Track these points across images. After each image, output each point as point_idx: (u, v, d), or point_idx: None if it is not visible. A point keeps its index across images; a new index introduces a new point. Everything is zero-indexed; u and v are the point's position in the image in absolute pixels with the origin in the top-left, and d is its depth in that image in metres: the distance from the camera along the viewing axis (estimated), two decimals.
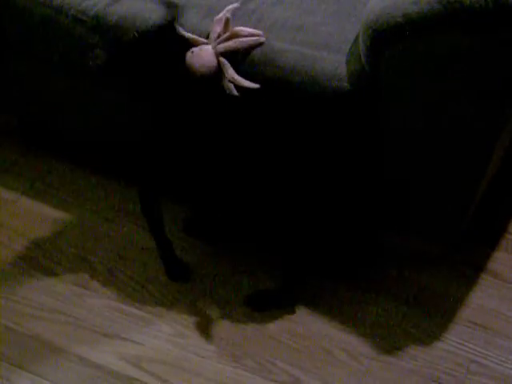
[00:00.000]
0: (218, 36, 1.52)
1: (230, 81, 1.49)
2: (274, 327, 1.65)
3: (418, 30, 1.38)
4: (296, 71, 1.50)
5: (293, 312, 1.67)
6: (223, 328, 1.65)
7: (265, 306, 1.69)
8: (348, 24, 1.57)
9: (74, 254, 1.79)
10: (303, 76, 1.50)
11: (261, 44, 1.53)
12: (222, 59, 1.50)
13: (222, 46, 1.51)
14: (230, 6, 1.56)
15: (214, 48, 1.51)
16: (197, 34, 1.54)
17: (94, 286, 1.73)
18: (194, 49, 1.51)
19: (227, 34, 1.51)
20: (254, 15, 1.60)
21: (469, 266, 1.76)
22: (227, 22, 1.51)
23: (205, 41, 1.52)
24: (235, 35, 1.52)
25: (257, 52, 1.53)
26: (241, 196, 1.62)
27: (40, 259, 1.77)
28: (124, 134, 1.81)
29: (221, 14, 1.54)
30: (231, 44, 1.51)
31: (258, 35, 1.53)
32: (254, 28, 1.56)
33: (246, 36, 1.52)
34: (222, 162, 1.58)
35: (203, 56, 1.50)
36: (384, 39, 1.41)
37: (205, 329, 1.65)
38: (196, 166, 1.60)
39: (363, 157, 1.56)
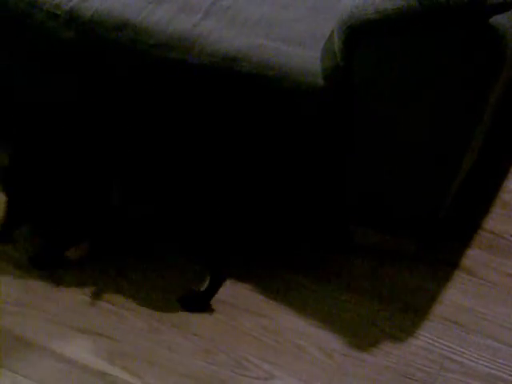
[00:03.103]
0: None
1: None
2: (247, 323, 1.65)
3: (393, 26, 1.39)
4: (270, 67, 1.50)
5: (266, 308, 1.68)
6: (197, 323, 1.65)
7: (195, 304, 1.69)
8: (323, 20, 1.57)
9: None
10: (277, 71, 1.50)
11: None
12: None
13: None
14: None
15: None
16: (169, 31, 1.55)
17: (68, 280, 1.72)
18: None
19: None
20: (229, 11, 1.60)
21: (443, 263, 1.77)
22: None
23: None
24: None
25: (231, 47, 1.53)
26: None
27: (11, 252, 1.76)
28: None
29: None
30: None
31: None
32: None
33: None
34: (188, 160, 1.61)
35: None
36: (358, 35, 1.42)
37: (178, 324, 1.65)
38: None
39: (335, 151, 1.57)
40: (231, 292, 1.70)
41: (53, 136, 1.67)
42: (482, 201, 1.90)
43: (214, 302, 1.68)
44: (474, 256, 1.78)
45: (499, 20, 1.34)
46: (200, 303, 1.68)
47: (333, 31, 1.50)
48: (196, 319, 1.65)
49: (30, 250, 1.75)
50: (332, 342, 1.62)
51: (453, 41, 1.37)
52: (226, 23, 1.57)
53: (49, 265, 1.74)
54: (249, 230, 1.76)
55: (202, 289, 1.68)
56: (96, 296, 1.69)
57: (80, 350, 1.60)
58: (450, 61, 1.39)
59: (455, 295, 1.70)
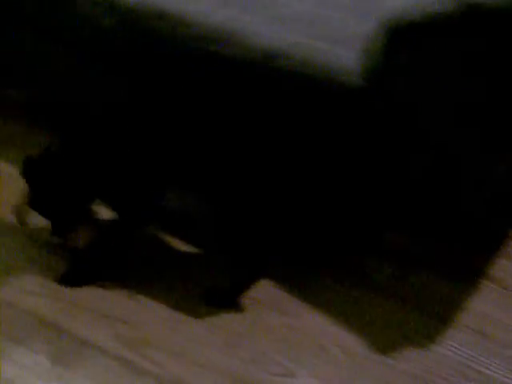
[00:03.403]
0: None
1: None
2: (270, 320, 1.65)
3: (438, 29, 1.38)
4: (309, 65, 1.50)
5: (290, 306, 1.67)
6: (220, 317, 1.65)
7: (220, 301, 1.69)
8: (365, 20, 1.56)
9: None
10: (317, 70, 1.50)
11: None
12: None
13: None
14: None
15: None
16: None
17: None
18: None
19: None
20: (270, 6, 1.60)
21: (472, 272, 1.75)
22: None
23: None
24: None
25: (271, 43, 1.53)
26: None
27: (45, 237, 1.76)
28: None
29: None
30: None
31: None
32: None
33: None
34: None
35: None
36: (402, 37, 1.41)
37: (202, 317, 1.65)
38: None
39: (374, 153, 1.55)
40: (256, 288, 1.70)
41: (95, 131, 1.66)
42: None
43: (238, 297, 1.68)
44: (504, 267, 1.76)
45: None
46: (225, 300, 1.68)
47: (375, 32, 1.49)
48: (220, 313, 1.65)
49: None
50: (354, 343, 1.61)
51: (497, 46, 1.36)
52: (267, 19, 1.57)
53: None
54: (290, 232, 1.74)
55: (228, 285, 1.68)
56: (122, 284, 1.70)
57: (103, 335, 1.61)
58: (492, 65, 1.38)
59: (482, 305, 1.69)
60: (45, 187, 1.61)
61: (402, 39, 1.41)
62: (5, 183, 1.90)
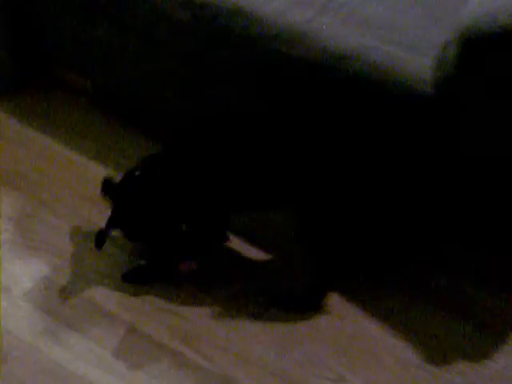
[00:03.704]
0: None
1: None
2: (324, 323, 1.64)
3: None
4: (380, 70, 1.49)
5: (346, 311, 1.66)
6: (275, 317, 1.65)
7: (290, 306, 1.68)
8: (439, 28, 1.55)
9: None
10: (387, 75, 1.49)
11: None
12: None
13: None
14: None
15: None
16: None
17: None
18: None
19: None
20: (344, 9, 1.59)
21: None
22: None
23: None
24: None
25: (343, 46, 1.52)
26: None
27: (101, 224, 1.75)
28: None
29: None
30: None
31: None
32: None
33: None
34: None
35: None
36: (476, 48, 1.39)
37: (256, 316, 1.65)
38: None
39: (440, 163, 1.54)
40: None
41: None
42: None
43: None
44: None
45: None
46: (305, 304, 1.68)
47: (448, 41, 1.47)
48: (274, 313, 1.65)
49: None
50: (408, 353, 1.60)
51: None
52: (340, 21, 1.56)
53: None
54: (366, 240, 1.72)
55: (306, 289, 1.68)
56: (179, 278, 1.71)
57: (156, 326, 1.62)
58: None
59: None
60: (128, 208, 1.63)
61: (475, 50, 1.39)
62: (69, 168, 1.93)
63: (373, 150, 1.55)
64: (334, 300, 1.68)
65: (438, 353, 1.61)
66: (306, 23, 1.55)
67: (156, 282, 1.69)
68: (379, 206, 1.60)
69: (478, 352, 1.61)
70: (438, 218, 1.64)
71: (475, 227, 1.65)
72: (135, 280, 1.69)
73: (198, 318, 1.64)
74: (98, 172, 1.88)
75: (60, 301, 1.64)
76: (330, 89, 1.55)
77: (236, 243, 1.76)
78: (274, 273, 1.72)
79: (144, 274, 1.71)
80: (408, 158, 1.55)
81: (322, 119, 1.57)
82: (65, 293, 1.66)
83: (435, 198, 1.60)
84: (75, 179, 1.89)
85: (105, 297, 1.66)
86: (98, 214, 1.78)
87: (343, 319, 1.65)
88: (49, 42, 1.98)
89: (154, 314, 1.64)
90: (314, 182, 1.57)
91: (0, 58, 2.03)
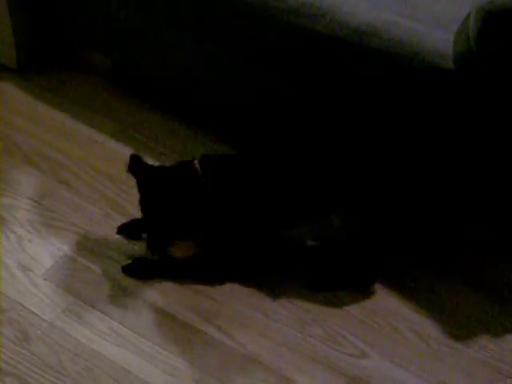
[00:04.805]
0: None
1: None
2: (345, 299, 1.65)
3: None
4: (401, 45, 1.48)
5: (367, 288, 1.67)
6: (296, 293, 1.65)
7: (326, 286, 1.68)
8: (460, 2, 1.54)
9: None
10: (408, 50, 1.48)
11: None
12: None
13: None
14: None
15: None
16: None
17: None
18: None
19: None
20: None
21: None
22: None
23: None
24: None
25: (364, 21, 1.51)
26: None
27: (121, 203, 1.79)
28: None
29: None
30: None
31: None
32: None
33: None
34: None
35: None
36: (497, 22, 1.37)
37: (278, 293, 1.65)
38: None
39: (464, 140, 1.52)
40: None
41: None
42: None
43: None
44: None
45: None
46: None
47: (468, 15, 1.45)
48: (295, 290, 1.66)
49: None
50: (429, 328, 1.60)
51: None
52: None
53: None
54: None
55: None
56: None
57: (179, 305, 1.62)
58: None
59: None
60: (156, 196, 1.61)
61: (496, 24, 1.38)
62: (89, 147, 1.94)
63: (400, 129, 1.54)
64: None
65: (457, 327, 1.61)
66: None
67: (156, 277, 1.67)
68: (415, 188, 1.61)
69: (499, 326, 1.62)
70: (462, 197, 1.64)
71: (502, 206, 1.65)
72: (135, 273, 1.68)
73: (220, 295, 1.64)
74: (118, 150, 1.89)
75: (81, 280, 1.65)
76: (351, 64, 1.54)
77: None
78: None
79: (144, 267, 1.69)
80: (434, 136, 1.54)
81: (341, 93, 1.57)
82: (86, 272, 1.66)
83: (459, 177, 1.59)
84: (95, 158, 1.89)
85: (126, 278, 1.66)
86: (119, 192, 1.80)
87: (365, 295, 1.66)
88: (71, 20, 1.98)
89: (176, 292, 1.64)
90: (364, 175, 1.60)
91: (22, 37, 2.03)
